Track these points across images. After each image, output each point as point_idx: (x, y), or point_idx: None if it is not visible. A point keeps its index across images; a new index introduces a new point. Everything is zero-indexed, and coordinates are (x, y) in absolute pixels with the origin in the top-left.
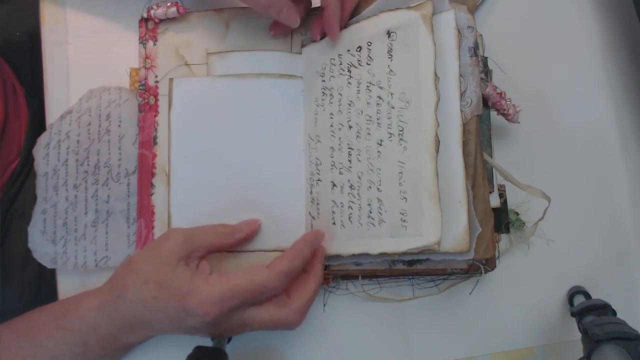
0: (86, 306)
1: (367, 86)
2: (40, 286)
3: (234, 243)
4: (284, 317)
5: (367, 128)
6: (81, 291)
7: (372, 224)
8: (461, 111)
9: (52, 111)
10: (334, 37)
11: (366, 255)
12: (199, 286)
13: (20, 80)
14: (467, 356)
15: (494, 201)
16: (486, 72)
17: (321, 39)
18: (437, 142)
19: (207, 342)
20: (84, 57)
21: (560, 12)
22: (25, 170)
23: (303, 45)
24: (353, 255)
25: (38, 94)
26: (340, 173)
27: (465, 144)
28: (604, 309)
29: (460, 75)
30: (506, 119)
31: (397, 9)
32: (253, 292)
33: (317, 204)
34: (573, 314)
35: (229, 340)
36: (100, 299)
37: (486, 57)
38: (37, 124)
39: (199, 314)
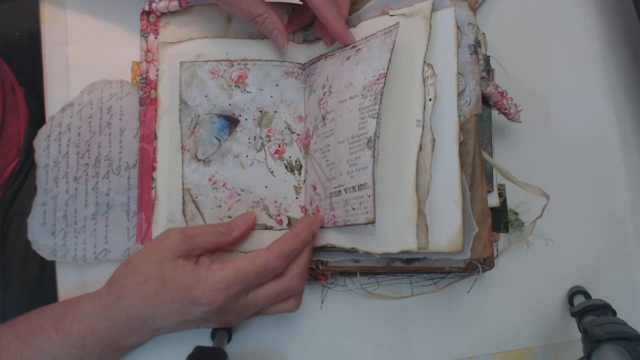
0: (85, 310)
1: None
2: (40, 286)
3: (232, 241)
4: (285, 286)
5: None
6: (81, 289)
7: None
8: (460, 110)
9: (52, 111)
10: (346, 42)
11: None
12: (203, 276)
13: (20, 80)
14: (468, 356)
15: (494, 200)
16: (488, 71)
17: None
18: (433, 142)
19: (207, 342)
20: (83, 57)
21: (562, 12)
22: (25, 170)
23: (305, 41)
24: (343, 250)
25: (38, 94)
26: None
27: (464, 143)
28: (604, 309)
29: (460, 73)
30: (507, 118)
31: (397, 13)
32: (255, 275)
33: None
34: (573, 314)
35: (229, 340)
36: (99, 303)
37: (488, 56)
38: (37, 124)
39: (206, 303)
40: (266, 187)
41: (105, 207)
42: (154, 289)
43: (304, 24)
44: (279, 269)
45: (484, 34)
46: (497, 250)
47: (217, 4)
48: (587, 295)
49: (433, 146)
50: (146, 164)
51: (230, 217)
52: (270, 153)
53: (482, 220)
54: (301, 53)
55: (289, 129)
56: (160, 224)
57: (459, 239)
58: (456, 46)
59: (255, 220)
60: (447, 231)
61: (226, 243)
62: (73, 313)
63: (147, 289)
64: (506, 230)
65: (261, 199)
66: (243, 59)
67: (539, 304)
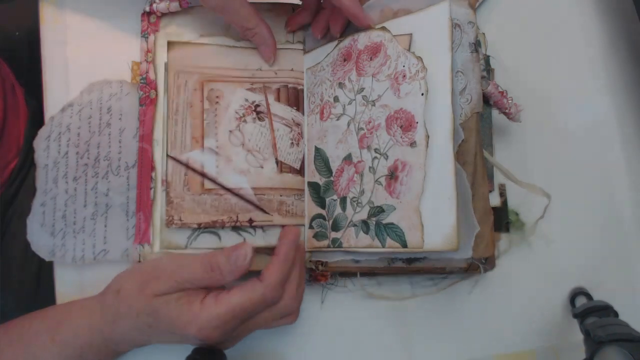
0: (80, 323)
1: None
2: (39, 286)
3: (223, 283)
4: (281, 310)
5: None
6: (79, 289)
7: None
8: (461, 108)
9: (51, 111)
10: (364, 22)
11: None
12: (196, 313)
13: (19, 80)
14: (469, 358)
15: (494, 200)
16: (488, 71)
17: (322, 37)
18: (427, 138)
19: None
20: (83, 57)
21: (562, 12)
22: (24, 170)
23: (306, 52)
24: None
25: (37, 94)
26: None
27: (465, 141)
28: (606, 310)
29: (461, 71)
30: (508, 118)
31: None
32: (252, 308)
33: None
34: (575, 316)
35: None
36: (93, 320)
37: (488, 56)
38: (37, 124)
39: (202, 339)
40: None
41: (104, 207)
42: (146, 322)
43: (302, 23)
44: (277, 298)
45: (483, 33)
46: (498, 251)
47: (213, 10)
48: (589, 297)
49: (427, 143)
50: (145, 164)
51: None
52: None
53: (484, 219)
54: (300, 60)
55: None
56: (158, 225)
57: (453, 238)
58: (450, 40)
59: (249, 264)
60: (441, 229)
61: (217, 285)
62: (68, 324)
63: (140, 322)
64: (507, 230)
65: None
66: None
67: (541, 306)
